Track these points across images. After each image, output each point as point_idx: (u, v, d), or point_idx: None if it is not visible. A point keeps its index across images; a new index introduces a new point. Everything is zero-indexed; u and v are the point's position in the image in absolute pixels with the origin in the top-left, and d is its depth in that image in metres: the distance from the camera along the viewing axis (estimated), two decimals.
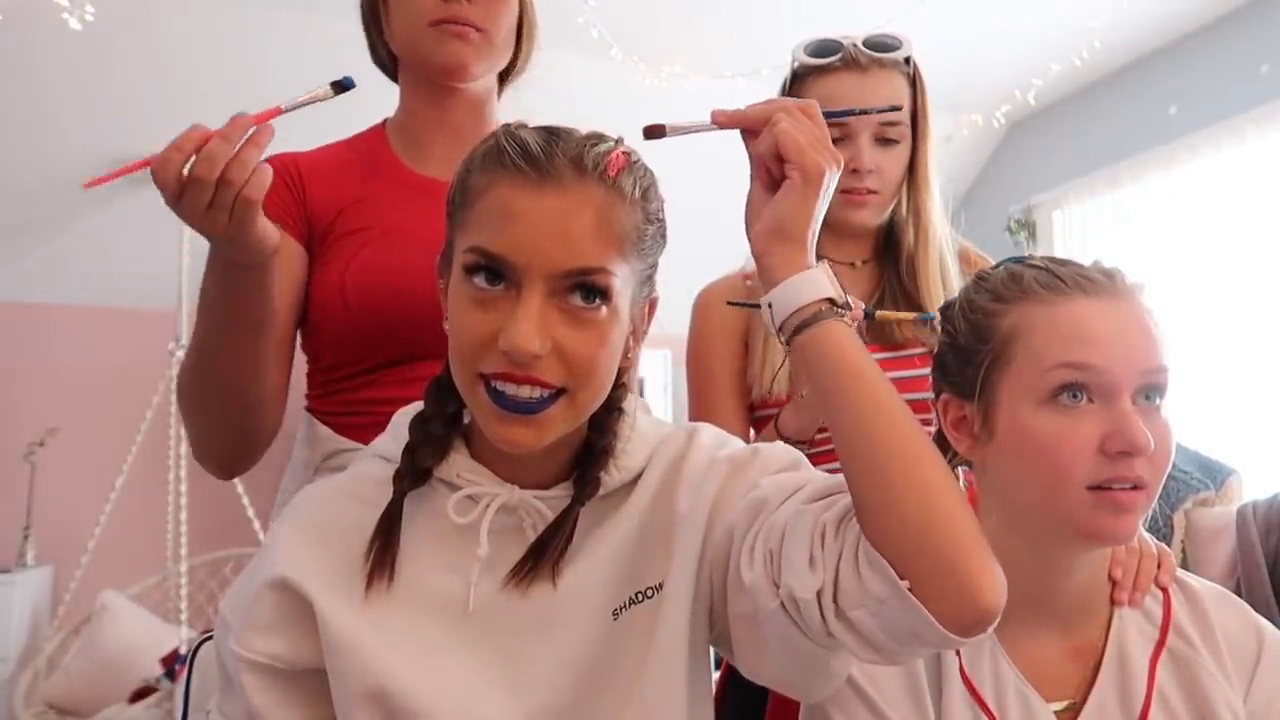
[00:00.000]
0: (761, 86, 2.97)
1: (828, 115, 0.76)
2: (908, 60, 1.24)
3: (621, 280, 0.71)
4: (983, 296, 0.87)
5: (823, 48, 1.23)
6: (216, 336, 0.92)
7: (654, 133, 0.74)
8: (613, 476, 0.77)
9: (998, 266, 0.90)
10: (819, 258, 1.28)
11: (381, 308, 1.01)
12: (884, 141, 1.22)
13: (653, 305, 0.79)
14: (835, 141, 1.20)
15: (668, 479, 0.78)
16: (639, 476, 0.79)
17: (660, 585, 0.75)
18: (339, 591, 0.73)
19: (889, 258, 1.30)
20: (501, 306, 0.68)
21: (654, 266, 0.77)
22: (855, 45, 1.21)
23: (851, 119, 1.19)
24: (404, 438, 0.78)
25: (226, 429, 0.98)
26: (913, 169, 1.26)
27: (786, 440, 1.12)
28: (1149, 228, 3.30)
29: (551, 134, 0.71)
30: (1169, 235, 3.21)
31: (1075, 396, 0.78)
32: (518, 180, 0.69)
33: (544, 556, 0.72)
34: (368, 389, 1.04)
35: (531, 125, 0.73)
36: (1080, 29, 3.02)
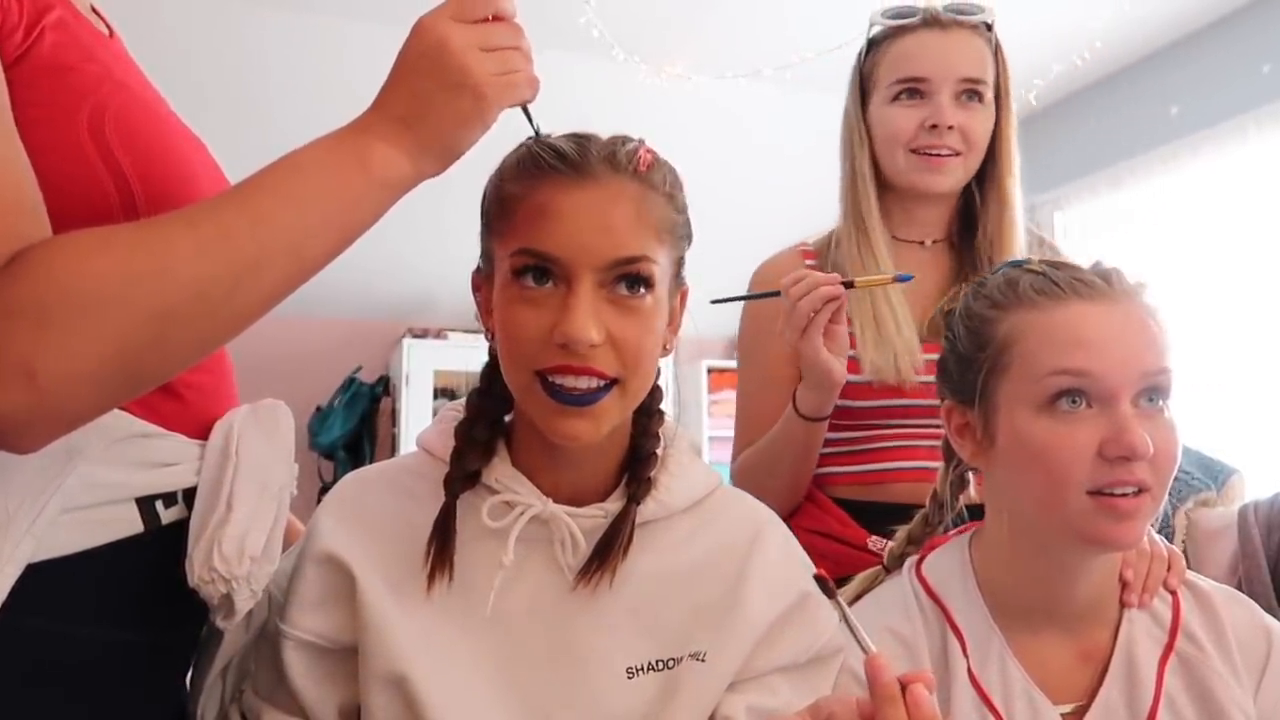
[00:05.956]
0: (764, 86, 2.97)
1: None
2: (989, 27, 1.20)
3: (661, 269, 0.74)
4: (980, 303, 0.87)
5: (901, 11, 1.20)
6: (296, 247, 0.60)
7: (827, 591, 0.71)
8: (646, 506, 0.78)
9: (996, 271, 0.90)
10: (891, 239, 1.25)
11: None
12: (968, 99, 1.16)
13: (683, 296, 0.82)
14: (915, 100, 1.16)
15: (726, 560, 0.79)
16: (673, 521, 0.79)
17: (681, 660, 0.75)
18: (378, 575, 0.75)
19: (966, 238, 1.23)
20: (552, 303, 0.71)
21: (683, 258, 0.80)
22: (934, 6, 1.19)
23: (930, 74, 1.15)
24: (448, 433, 0.80)
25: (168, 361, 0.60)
26: (994, 142, 1.20)
27: (804, 418, 1.10)
28: (1150, 228, 3.29)
29: (579, 137, 0.75)
30: (1171, 236, 3.20)
31: (1074, 402, 0.78)
32: (555, 180, 0.72)
33: (609, 556, 0.74)
34: None
35: (556, 134, 0.76)
36: (1081, 29, 3.01)
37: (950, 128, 1.15)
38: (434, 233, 3.30)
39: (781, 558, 0.81)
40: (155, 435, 0.67)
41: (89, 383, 0.55)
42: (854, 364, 1.14)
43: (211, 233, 0.57)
